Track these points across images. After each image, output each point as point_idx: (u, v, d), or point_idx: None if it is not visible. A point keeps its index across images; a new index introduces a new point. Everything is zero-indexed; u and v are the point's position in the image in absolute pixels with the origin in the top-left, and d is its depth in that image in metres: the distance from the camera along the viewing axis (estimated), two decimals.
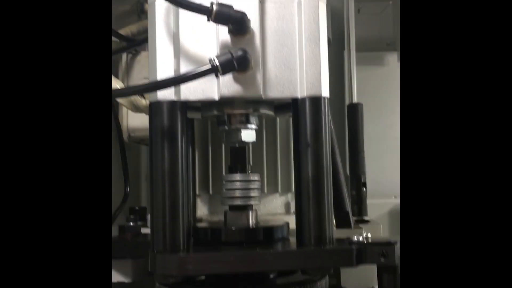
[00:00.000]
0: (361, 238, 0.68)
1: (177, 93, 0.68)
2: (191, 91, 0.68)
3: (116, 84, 0.92)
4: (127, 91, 0.72)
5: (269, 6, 0.70)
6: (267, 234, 0.75)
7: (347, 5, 1.27)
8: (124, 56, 1.02)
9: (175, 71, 0.68)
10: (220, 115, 0.78)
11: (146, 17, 1.18)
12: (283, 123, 0.96)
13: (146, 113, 0.95)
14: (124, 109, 1.02)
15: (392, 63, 1.86)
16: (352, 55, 1.25)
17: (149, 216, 0.95)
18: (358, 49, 1.27)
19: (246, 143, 0.79)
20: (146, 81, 1.01)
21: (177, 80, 0.63)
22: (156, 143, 0.69)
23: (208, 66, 0.63)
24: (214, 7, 0.63)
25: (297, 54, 0.70)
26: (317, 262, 0.66)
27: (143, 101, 0.89)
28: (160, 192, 0.68)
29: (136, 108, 0.93)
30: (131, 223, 0.89)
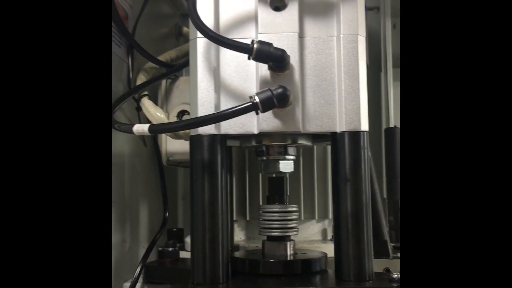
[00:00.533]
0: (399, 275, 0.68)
1: (217, 127, 0.69)
2: (231, 125, 0.69)
3: (157, 112, 0.94)
4: (168, 128, 0.73)
5: (309, 41, 0.70)
6: (306, 267, 0.75)
7: (384, 26, 1.27)
8: (163, 82, 1.04)
9: (215, 106, 0.70)
10: (259, 146, 0.79)
11: (184, 41, 1.21)
12: (320, 150, 0.97)
13: (185, 139, 0.97)
14: (163, 135, 1.04)
15: None
16: (389, 77, 1.24)
17: (186, 239, 0.97)
18: (394, 65, 1.26)
19: (285, 174, 0.79)
20: (185, 106, 1.04)
21: (218, 117, 0.65)
22: (197, 175, 0.70)
23: (249, 103, 0.64)
24: (255, 46, 0.64)
25: (336, 89, 0.70)
26: None
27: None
28: (200, 225, 0.69)
29: (176, 135, 0.95)
30: (170, 248, 0.91)
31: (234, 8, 0.71)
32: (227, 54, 0.70)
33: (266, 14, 0.69)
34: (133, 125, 0.70)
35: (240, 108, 0.64)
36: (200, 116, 0.67)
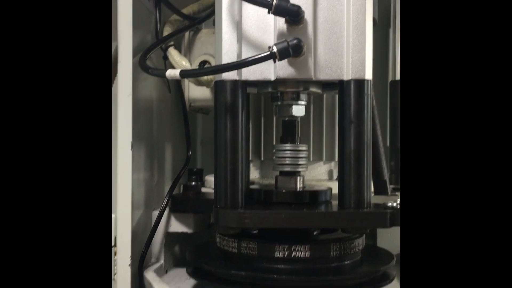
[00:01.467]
0: (395, 204, 0.79)
1: (239, 73, 0.79)
2: (251, 72, 0.79)
3: (182, 61, 1.04)
4: (197, 72, 0.83)
5: None
6: (313, 197, 0.86)
7: None
8: (186, 34, 1.13)
9: (237, 55, 0.79)
10: (274, 92, 0.89)
11: None
12: (329, 99, 1.06)
13: (207, 87, 1.08)
14: (186, 82, 1.14)
15: None
16: (397, 34, 1.32)
17: (206, 177, 1.08)
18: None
19: (296, 117, 0.89)
20: (206, 57, 1.14)
21: (240, 64, 0.75)
22: (220, 116, 0.80)
23: (267, 53, 0.73)
24: (274, 1, 0.73)
25: (344, 41, 0.79)
26: (355, 222, 0.78)
27: (205, 77, 1.01)
28: (223, 157, 0.80)
29: (199, 82, 1.05)
30: (193, 183, 1.02)
31: None
32: (248, 9, 0.79)
33: None
34: (165, 70, 0.80)
35: (260, 57, 0.74)
36: (225, 63, 0.77)
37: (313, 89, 0.88)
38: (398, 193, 1.04)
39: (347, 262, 0.83)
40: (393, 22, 1.34)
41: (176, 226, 1.01)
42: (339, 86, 0.81)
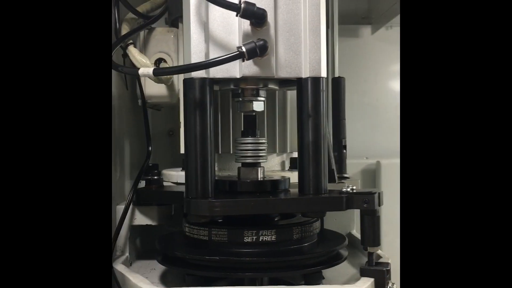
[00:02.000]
0: (349, 189, 0.88)
1: (207, 71, 0.85)
2: (217, 70, 0.85)
3: (142, 59, 1.08)
4: (169, 71, 0.87)
5: (280, 2, 0.86)
6: (274, 186, 0.93)
7: None
8: (141, 32, 1.17)
9: (205, 54, 0.85)
10: (235, 89, 0.95)
11: None
12: (280, 95, 1.14)
13: (166, 84, 1.12)
14: (142, 79, 1.17)
15: (366, 36, 2.05)
16: (335, 33, 1.42)
17: (164, 171, 1.13)
18: (340, 22, 1.43)
19: (256, 112, 0.96)
20: (162, 55, 1.18)
21: (211, 63, 0.80)
22: (190, 112, 0.86)
23: (236, 52, 0.80)
24: (242, 5, 0.79)
25: (302, 42, 0.87)
26: (317, 207, 0.86)
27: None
28: (193, 150, 0.85)
29: (159, 80, 1.09)
30: (155, 177, 1.06)
31: None
32: (214, 11, 0.85)
33: None
34: (135, 68, 0.83)
35: (230, 56, 0.80)
36: (197, 62, 0.82)
37: (271, 85, 0.95)
38: (344, 181, 1.14)
39: (306, 244, 0.91)
40: (331, 23, 1.44)
41: (141, 219, 1.05)
42: (297, 83, 0.89)
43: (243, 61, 0.81)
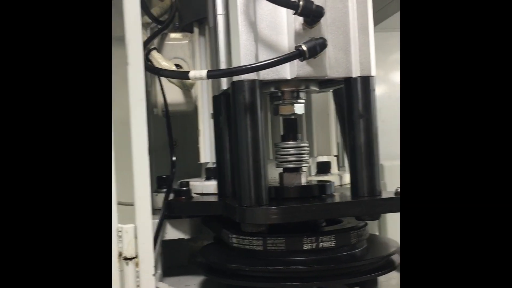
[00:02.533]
0: (398, 190, 0.86)
1: (257, 73, 0.81)
2: (268, 72, 0.81)
3: (166, 63, 1.02)
4: (223, 73, 0.83)
5: (330, 1, 0.84)
6: (321, 190, 0.90)
7: None
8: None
9: (255, 56, 0.81)
10: (275, 92, 0.91)
11: None
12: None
13: (189, 89, 1.07)
14: (157, 87, 1.11)
15: None
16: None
17: (191, 182, 1.07)
18: None
19: (298, 115, 0.93)
20: (178, 60, 1.13)
21: (271, 63, 0.76)
22: (240, 116, 0.81)
23: (297, 51, 0.76)
24: (301, 3, 0.76)
25: (351, 41, 0.85)
26: (376, 209, 0.83)
27: (190, 80, 1.01)
28: (245, 156, 0.81)
29: (184, 86, 1.04)
30: (184, 188, 1.01)
31: None
32: (263, 9, 0.81)
33: None
34: (186, 71, 0.78)
35: (289, 55, 0.76)
36: (255, 63, 0.78)
37: (312, 87, 0.92)
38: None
39: (359, 249, 0.88)
40: None
41: (173, 233, 0.99)
42: (346, 83, 0.86)
43: (302, 60, 0.77)
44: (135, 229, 0.81)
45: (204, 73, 0.77)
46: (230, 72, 0.79)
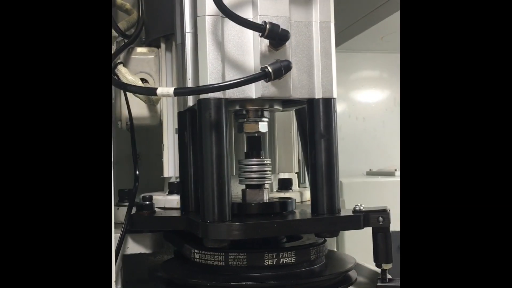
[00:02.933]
0: (362, 208, 0.89)
1: (223, 92, 0.83)
2: (234, 91, 0.83)
3: (133, 78, 1.03)
4: (190, 91, 0.84)
5: (294, 24, 0.87)
6: (283, 207, 0.92)
7: None
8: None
9: (222, 75, 0.83)
10: (240, 110, 0.94)
11: (128, 12, 1.27)
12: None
13: (154, 104, 1.08)
14: (122, 100, 1.12)
15: None
16: None
17: (154, 196, 1.08)
18: None
19: (262, 133, 0.95)
20: (143, 75, 1.14)
21: (237, 83, 0.79)
22: (206, 133, 0.83)
23: (262, 72, 0.79)
24: (268, 26, 0.79)
25: (314, 64, 0.88)
26: (337, 226, 0.86)
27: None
28: (210, 173, 0.82)
29: (149, 101, 1.05)
30: (147, 202, 1.01)
31: None
32: (230, 30, 0.84)
33: (264, 0, 0.84)
34: (155, 88, 0.79)
35: (256, 76, 0.79)
36: (222, 82, 0.80)
37: (276, 106, 0.95)
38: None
39: (318, 265, 0.91)
40: None
41: (134, 248, 0.99)
42: (308, 104, 0.90)
43: (268, 81, 0.80)
44: None
45: (171, 90, 0.79)
46: (197, 90, 0.81)
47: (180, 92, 0.82)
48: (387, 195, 1.75)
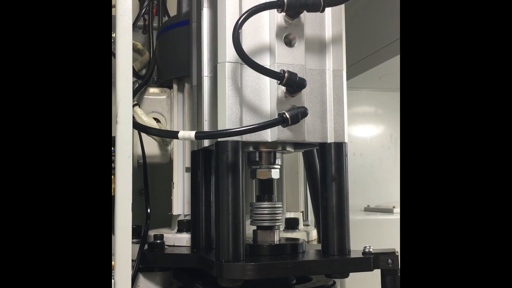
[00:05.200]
0: (371, 249, 0.91)
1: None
2: (251, 134, 0.87)
3: (148, 119, 1.06)
4: (210, 134, 0.87)
5: (308, 72, 0.91)
6: (294, 248, 0.94)
7: None
8: None
9: (240, 119, 0.86)
10: (253, 151, 0.97)
11: (139, 53, 1.30)
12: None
13: (167, 145, 1.11)
14: (136, 138, 1.14)
15: None
16: None
17: (165, 234, 1.09)
18: None
19: (274, 179, 0.98)
20: (155, 115, 1.17)
21: (257, 128, 0.82)
22: (223, 174, 0.85)
23: (280, 118, 0.82)
24: (286, 74, 0.83)
25: (327, 110, 0.92)
26: (348, 268, 0.88)
27: None
28: (225, 213, 0.85)
29: (163, 141, 1.08)
30: (158, 241, 1.02)
31: (254, 40, 0.89)
32: (248, 76, 0.88)
33: (281, 48, 0.88)
34: (176, 132, 0.82)
35: (273, 121, 0.82)
36: (242, 126, 0.84)
37: (289, 148, 0.98)
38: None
39: None
40: None
41: (145, 285, 1.00)
42: (321, 147, 0.93)
43: (285, 126, 0.83)
44: (114, 285, 0.82)
45: (192, 134, 0.82)
46: (218, 134, 0.84)
47: (201, 135, 0.85)
48: (386, 232, 1.78)
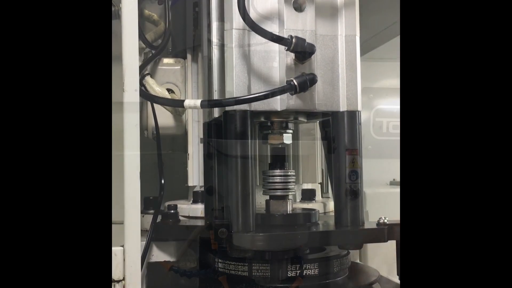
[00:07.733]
0: (386, 220, 0.89)
1: (249, 104, 0.84)
2: (259, 103, 0.84)
3: (159, 88, 1.05)
4: (218, 103, 0.85)
5: (319, 38, 0.88)
6: (307, 218, 0.93)
7: None
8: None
9: (248, 87, 0.84)
10: (264, 121, 0.95)
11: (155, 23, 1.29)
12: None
13: (180, 115, 1.10)
14: (149, 110, 1.14)
15: None
16: None
17: (179, 205, 1.09)
18: None
19: (286, 145, 0.96)
20: (170, 85, 1.16)
21: (264, 96, 0.80)
22: (231, 145, 0.84)
23: (288, 85, 0.80)
24: (294, 40, 0.80)
25: (339, 77, 0.89)
26: (360, 239, 0.86)
27: None
28: (235, 184, 0.84)
29: (175, 111, 1.07)
30: (172, 211, 1.02)
31: (261, 6, 0.86)
32: (255, 44, 0.85)
33: (290, 14, 0.85)
34: (182, 100, 0.81)
35: (280, 89, 0.80)
36: (248, 95, 0.82)
37: (301, 118, 0.96)
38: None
39: (340, 278, 0.91)
40: None
41: (159, 256, 1.00)
42: (333, 116, 0.90)
43: (293, 94, 0.81)
44: (123, 252, 0.82)
45: (198, 102, 0.80)
46: (224, 103, 0.82)
47: (207, 104, 0.83)
48: None
